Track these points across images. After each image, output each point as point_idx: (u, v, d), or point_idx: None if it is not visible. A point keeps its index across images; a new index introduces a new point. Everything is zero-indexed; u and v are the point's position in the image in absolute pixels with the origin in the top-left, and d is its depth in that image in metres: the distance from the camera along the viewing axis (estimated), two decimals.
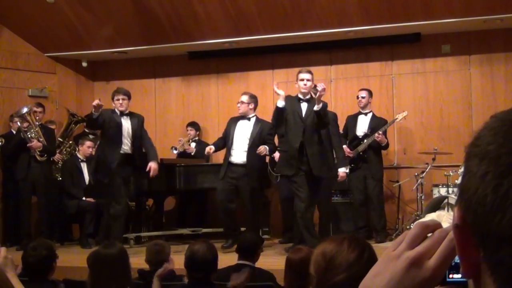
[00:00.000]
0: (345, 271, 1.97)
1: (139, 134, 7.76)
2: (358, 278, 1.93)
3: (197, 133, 9.59)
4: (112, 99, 7.76)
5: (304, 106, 7.11)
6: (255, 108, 7.94)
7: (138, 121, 7.81)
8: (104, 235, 7.76)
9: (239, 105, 7.94)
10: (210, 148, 7.89)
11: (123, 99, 7.69)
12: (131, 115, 7.81)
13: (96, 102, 7.32)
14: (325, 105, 6.94)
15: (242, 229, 7.71)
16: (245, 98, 7.89)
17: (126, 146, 7.68)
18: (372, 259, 2.02)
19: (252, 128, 7.84)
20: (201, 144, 9.21)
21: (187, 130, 9.54)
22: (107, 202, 7.80)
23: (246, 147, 7.76)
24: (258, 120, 7.93)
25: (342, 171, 7.49)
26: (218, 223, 8.45)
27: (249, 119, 7.89)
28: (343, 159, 7.55)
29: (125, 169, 7.61)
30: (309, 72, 7.21)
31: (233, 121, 7.98)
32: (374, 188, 8.20)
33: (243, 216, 7.94)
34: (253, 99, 7.93)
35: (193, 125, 9.58)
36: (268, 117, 9.22)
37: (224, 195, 7.67)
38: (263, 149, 7.57)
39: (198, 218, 9.28)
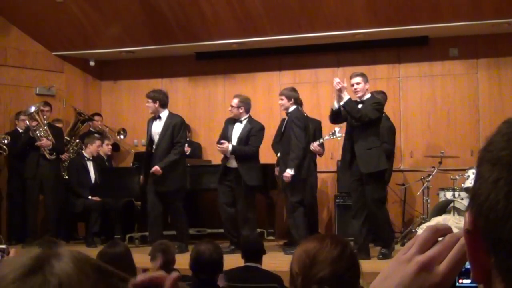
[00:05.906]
0: (330, 266, 2.05)
1: (161, 137, 7.73)
2: (342, 273, 2.01)
3: (189, 134, 9.67)
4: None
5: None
6: (247, 111, 7.77)
7: (171, 124, 7.74)
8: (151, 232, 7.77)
9: (230, 108, 7.85)
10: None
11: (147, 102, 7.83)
12: (160, 118, 7.83)
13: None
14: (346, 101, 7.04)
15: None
16: (235, 102, 7.77)
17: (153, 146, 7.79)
18: (352, 255, 2.15)
19: (241, 131, 7.75)
20: (193, 145, 9.42)
21: None
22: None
23: None
24: (249, 122, 7.78)
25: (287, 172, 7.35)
26: (212, 224, 8.70)
27: (241, 121, 7.78)
28: (291, 160, 7.38)
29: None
30: (358, 75, 7.12)
31: (230, 122, 7.88)
32: None
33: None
34: (243, 102, 7.75)
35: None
36: (275, 119, 9.21)
37: (224, 199, 7.72)
38: (225, 146, 7.56)
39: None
